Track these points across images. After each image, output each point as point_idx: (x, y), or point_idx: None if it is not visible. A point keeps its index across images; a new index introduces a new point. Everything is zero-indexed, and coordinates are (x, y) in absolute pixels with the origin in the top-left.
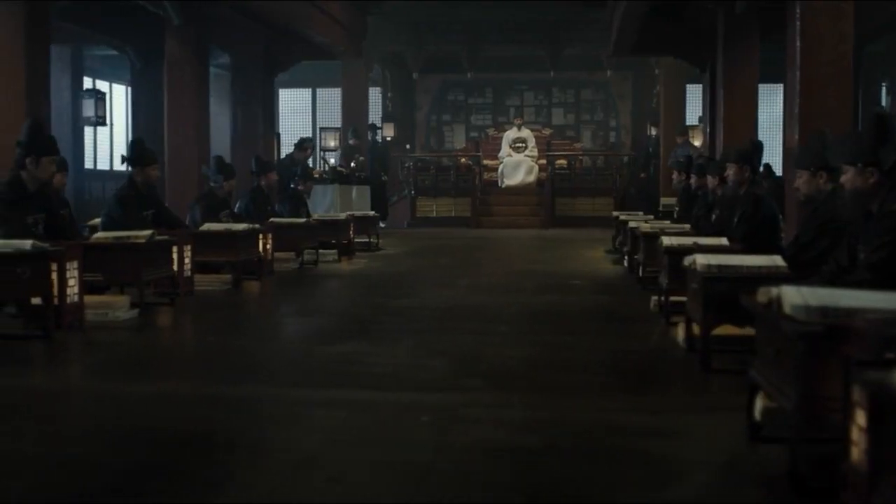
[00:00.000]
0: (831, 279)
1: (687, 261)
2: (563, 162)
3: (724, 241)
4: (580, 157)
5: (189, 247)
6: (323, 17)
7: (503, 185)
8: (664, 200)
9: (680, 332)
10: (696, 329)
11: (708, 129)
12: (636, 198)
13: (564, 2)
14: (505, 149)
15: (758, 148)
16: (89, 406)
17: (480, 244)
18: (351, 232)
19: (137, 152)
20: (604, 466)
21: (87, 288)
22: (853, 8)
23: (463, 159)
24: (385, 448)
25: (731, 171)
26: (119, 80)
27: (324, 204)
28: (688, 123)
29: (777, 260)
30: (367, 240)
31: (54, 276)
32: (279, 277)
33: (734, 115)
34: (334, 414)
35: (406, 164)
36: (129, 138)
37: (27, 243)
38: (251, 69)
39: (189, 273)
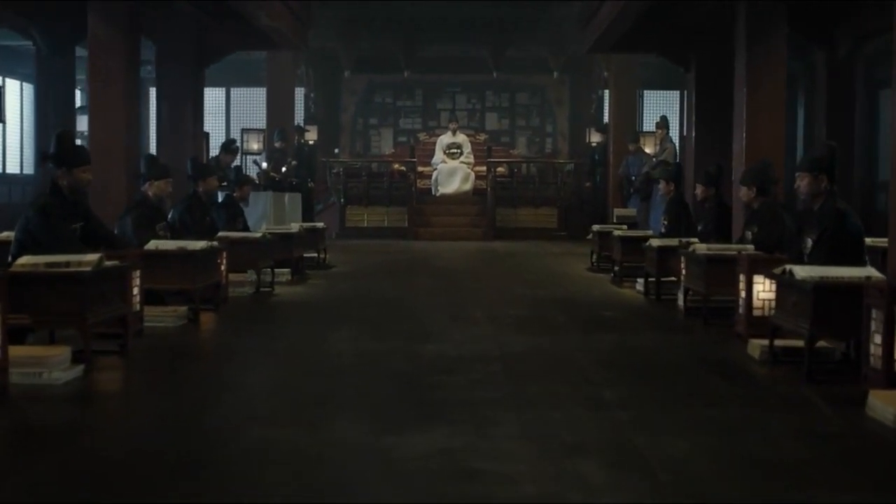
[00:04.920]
0: None
1: None
2: (502, 170)
3: (871, 270)
4: (522, 165)
5: (138, 272)
6: None
7: (437, 194)
8: (618, 212)
9: (885, 405)
10: None
11: (694, 134)
12: (581, 209)
13: None
14: (439, 155)
15: (835, 154)
16: None
17: (438, 261)
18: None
19: (65, 150)
20: None
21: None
22: None
23: (396, 165)
24: None
25: (802, 183)
26: (11, 75)
27: (256, 214)
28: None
29: None
30: (314, 255)
31: None
32: (237, 306)
33: (759, 120)
34: None
35: (334, 170)
36: (34, 137)
37: None
38: (180, 59)
39: (138, 307)
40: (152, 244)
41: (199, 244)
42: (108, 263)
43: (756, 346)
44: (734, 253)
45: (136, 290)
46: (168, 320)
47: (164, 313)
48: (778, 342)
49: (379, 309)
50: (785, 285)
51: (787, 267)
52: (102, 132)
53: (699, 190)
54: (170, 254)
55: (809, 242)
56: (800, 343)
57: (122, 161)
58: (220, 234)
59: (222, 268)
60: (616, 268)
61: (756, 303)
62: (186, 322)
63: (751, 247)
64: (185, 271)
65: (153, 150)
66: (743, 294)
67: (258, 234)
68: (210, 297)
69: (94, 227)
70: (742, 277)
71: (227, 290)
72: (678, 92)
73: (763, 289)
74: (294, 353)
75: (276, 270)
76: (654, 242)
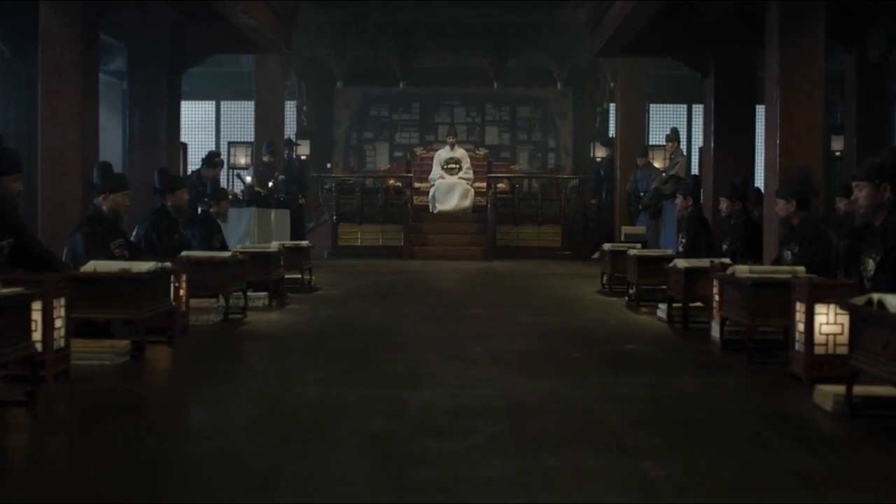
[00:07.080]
0: None
1: None
2: (503, 186)
3: None
4: (523, 181)
5: (62, 300)
6: None
7: (435, 211)
8: (626, 230)
9: None
10: None
11: (713, 145)
12: (585, 227)
13: (515, 1)
14: (436, 170)
15: None
16: None
17: (435, 283)
18: (282, 268)
19: None
20: None
21: None
22: None
23: (391, 181)
24: None
25: (861, 193)
26: None
27: (238, 231)
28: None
29: None
30: (298, 276)
31: None
32: (196, 337)
33: (795, 126)
34: None
35: (326, 186)
36: None
37: None
38: (153, 62)
39: (62, 343)
40: (90, 265)
41: (146, 265)
42: (5, 291)
43: (826, 394)
44: (787, 276)
45: (59, 322)
46: (105, 357)
47: (100, 348)
48: (856, 390)
49: (363, 342)
50: (868, 320)
51: (876, 296)
52: (55, 139)
53: (724, 205)
54: (109, 277)
55: (871, 264)
56: (884, 391)
57: (78, 171)
58: (183, 253)
59: (181, 293)
60: (631, 291)
61: (818, 338)
62: (129, 359)
63: (802, 268)
64: (130, 297)
65: (127, 161)
66: (801, 327)
67: (227, 254)
68: (163, 327)
69: (27, 245)
70: (800, 307)
71: (188, 318)
72: (685, 105)
73: (827, 321)
74: (246, 405)
75: (253, 294)
76: (681, 263)
